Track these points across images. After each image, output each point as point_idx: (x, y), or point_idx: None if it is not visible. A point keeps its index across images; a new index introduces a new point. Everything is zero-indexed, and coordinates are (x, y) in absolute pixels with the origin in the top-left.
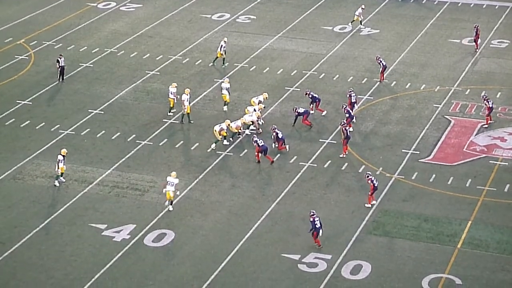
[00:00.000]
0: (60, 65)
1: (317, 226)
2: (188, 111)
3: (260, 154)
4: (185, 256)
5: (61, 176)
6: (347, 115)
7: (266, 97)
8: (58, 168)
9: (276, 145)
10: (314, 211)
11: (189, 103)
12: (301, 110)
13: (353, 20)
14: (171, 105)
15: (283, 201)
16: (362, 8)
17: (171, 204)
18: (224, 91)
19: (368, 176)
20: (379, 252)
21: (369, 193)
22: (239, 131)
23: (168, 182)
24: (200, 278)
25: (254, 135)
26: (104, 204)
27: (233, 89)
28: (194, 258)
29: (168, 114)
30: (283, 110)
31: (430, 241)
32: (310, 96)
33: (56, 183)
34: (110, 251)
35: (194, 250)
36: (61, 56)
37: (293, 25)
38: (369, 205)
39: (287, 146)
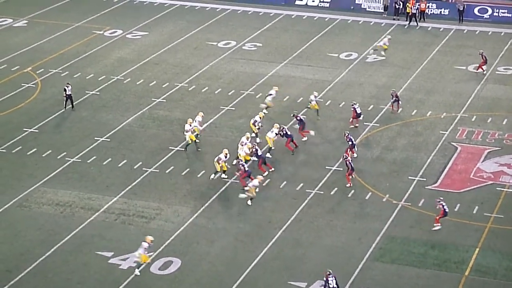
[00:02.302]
0: (67, 93)
1: (330, 287)
2: (194, 139)
3: (245, 179)
4: (192, 283)
5: (140, 266)
6: (350, 142)
7: (262, 116)
8: (138, 256)
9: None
10: (331, 270)
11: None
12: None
13: (377, 49)
14: (194, 137)
15: (290, 228)
16: (388, 39)
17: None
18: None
19: (439, 202)
20: (386, 279)
21: (438, 217)
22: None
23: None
24: None
25: (239, 160)
26: (110, 231)
27: (238, 116)
28: (201, 286)
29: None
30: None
31: (437, 268)
32: (298, 119)
33: (137, 272)
34: (116, 279)
35: (200, 278)
36: (68, 85)
37: (299, 52)
38: (438, 226)
39: (266, 170)
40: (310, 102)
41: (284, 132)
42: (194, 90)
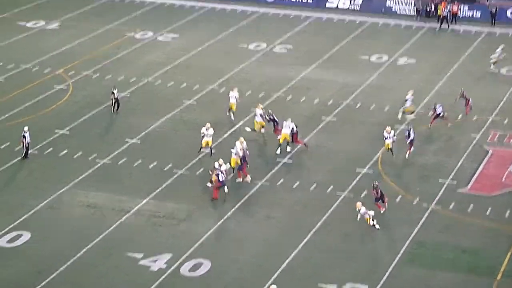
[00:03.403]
0: (114, 97)
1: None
2: (210, 144)
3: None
4: (221, 286)
5: None
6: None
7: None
8: None
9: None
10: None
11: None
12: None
13: (495, 62)
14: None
15: (319, 232)
16: (502, 49)
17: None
18: (232, 100)
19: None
20: (416, 284)
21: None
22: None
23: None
24: None
25: (217, 169)
26: (140, 233)
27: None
28: None
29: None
30: (320, 140)
31: (468, 273)
32: (271, 117)
33: None
34: (146, 281)
35: (230, 281)
36: (115, 88)
37: (330, 55)
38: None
39: (248, 176)
40: (406, 102)
41: (272, 117)
42: (225, 92)
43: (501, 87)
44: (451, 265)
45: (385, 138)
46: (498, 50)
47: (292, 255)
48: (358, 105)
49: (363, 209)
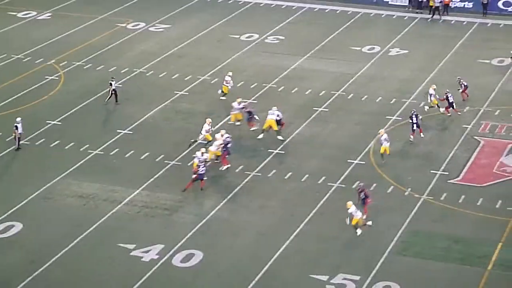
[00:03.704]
0: (113, 87)
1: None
2: (210, 139)
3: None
4: (213, 276)
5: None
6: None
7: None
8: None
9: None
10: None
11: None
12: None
13: None
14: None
15: (312, 222)
16: None
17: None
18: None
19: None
20: (409, 273)
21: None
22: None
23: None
24: None
25: (199, 159)
26: (133, 224)
27: (261, 110)
28: (223, 278)
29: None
30: (312, 130)
31: (460, 262)
32: (247, 110)
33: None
34: (138, 272)
35: (222, 271)
36: (113, 79)
37: (322, 46)
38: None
39: (226, 166)
40: (430, 97)
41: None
42: (217, 83)
43: (492, 78)
44: (443, 255)
45: (382, 143)
46: None
47: (285, 245)
48: (351, 95)
49: (351, 208)
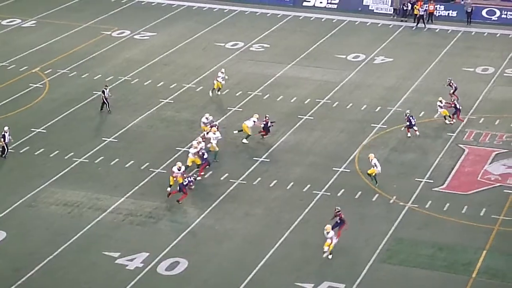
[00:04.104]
0: (105, 96)
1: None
2: (217, 149)
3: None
4: (198, 284)
5: None
6: (408, 122)
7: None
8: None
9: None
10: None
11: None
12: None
13: None
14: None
15: (297, 230)
16: None
17: None
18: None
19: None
20: (394, 281)
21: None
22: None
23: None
24: None
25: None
26: (117, 232)
27: (246, 117)
28: (208, 286)
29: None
30: (298, 138)
31: (445, 270)
32: (211, 125)
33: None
34: (123, 280)
35: (207, 279)
36: (106, 87)
37: (307, 53)
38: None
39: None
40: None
41: (270, 124)
42: (202, 90)
43: (477, 86)
44: (428, 262)
45: (373, 166)
46: None
47: (270, 253)
48: (336, 103)
49: (331, 233)
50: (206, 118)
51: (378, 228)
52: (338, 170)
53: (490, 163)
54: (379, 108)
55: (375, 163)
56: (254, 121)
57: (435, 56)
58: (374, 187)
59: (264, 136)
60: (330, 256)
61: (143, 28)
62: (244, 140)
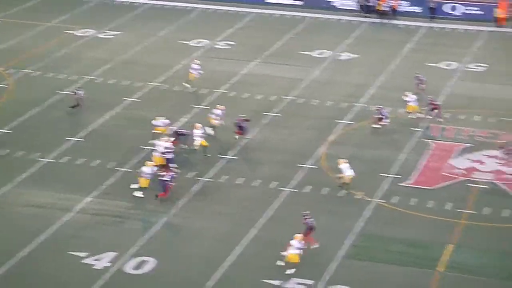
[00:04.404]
0: (76, 96)
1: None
2: (205, 145)
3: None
4: (167, 283)
5: None
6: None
7: None
8: None
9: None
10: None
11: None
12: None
13: None
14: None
15: (265, 227)
16: None
17: None
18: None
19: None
20: (361, 276)
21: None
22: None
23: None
24: None
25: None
26: (85, 232)
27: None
28: (176, 285)
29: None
30: (264, 135)
31: (412, 265)
32: (179, 133)
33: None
34: (91, 279)
35: (176, 277)
36: (79, 88)
37: (273, 51)
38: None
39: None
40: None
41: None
42: (168, 89)
43: (441, 81)
44: (396, 257)
45: (343, 172)
46: None
47: (238, 250)
48: (302, 100)
49: (298, 244)
50: (162, 122)
51: (345, 225)
52: (305, 167)
53: (455, 158)
54: (345, 104)
55: (347, 167)
56: (218, 114)
57: (400, 51)
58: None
59: (240, 136)
60: (289, 271)
61: (107, 27)
62: (210, 131)
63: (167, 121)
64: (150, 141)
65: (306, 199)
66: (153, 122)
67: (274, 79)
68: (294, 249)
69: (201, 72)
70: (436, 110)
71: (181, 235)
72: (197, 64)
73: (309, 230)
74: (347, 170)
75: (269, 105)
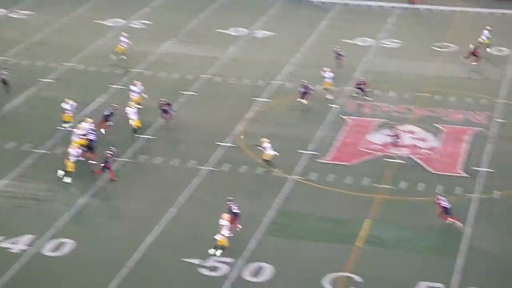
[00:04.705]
0: (1, 77)
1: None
2: (138, 125)
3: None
4: (85, 265)
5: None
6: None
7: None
8: None
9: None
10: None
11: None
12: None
13: (481, 44)
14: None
15: (183, 206)
16: (488, 30)
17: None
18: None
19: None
20: (281, 253)
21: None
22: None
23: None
24: (101, 286)
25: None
26: (1, 215)
27: (126, 95)
28: (95, 266)
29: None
30: (181, 114)
31: (331, 240)
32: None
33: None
34: (8, 263)
35: (94, 259)
36: (6, 69)
37: (188, 30)
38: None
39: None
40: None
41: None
42: (83, 70)
43: (355, 58)
44: (314, 233)
45: (265, 149)
46: (485, 32)
47: (157, 230)
48: (218, 78)
49: (225, 223)
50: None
51: (264, 202)
52: (223, 145)
53: (371, 133)
54: (261, 82)
55: (265, 147)
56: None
57: (315, 28)
58: (258, 160)
59: (168, 119)
60: (217, 253)
61: (19, 7)
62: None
63: (75, 104)
64: (64, 125)
65: (224, 178)
66: (62, 104)
67: (190, 58)
68: (224, 231)
69: (130, 43)
70: (364, 90)
71: (100, 217)
72: (125, 36)
73: (234, 216)
74: (269, 149)
75: (186, 84)
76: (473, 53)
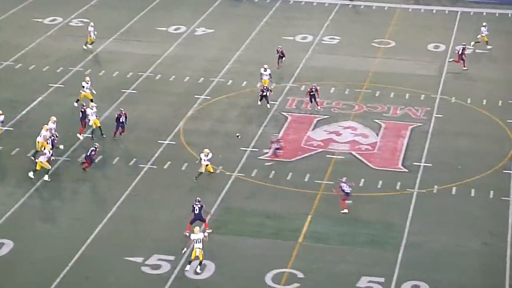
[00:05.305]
0: None
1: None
2: (98, 125)
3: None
4: (25, 265)
5: None
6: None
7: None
8: None
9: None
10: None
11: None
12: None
13: (478, 42)
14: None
15: (125, 205)
16: (484, 26)
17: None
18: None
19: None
20: (222, 250)
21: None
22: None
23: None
24: (42, 286)
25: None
26: None
27: (66, 94)
28: (35, 267)
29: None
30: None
31: (272, 237)
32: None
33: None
34: None
35: (35, 259)
36: None
37: (128, 28)
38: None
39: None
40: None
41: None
42: (21, 68)
43: (297, 54)
44: (256, 230)
45: (203, 161)
46: (482, 29)
47: (98, 229)
48: (158, 76)
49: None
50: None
51: (205, 199)
52: (164, 143)
53: (312, 129)
54: (202, 79)
55: (208, 159)
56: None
57: (255, 26)
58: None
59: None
60: (198, 269)
61: None
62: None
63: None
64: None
65: (166, 175)
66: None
67: (129, 56)
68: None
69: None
70: (316, 98)
71: (39, 216)
72: (92, 26)
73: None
74: (206, 160)
75: (125, 82)
76: (460, 56)
